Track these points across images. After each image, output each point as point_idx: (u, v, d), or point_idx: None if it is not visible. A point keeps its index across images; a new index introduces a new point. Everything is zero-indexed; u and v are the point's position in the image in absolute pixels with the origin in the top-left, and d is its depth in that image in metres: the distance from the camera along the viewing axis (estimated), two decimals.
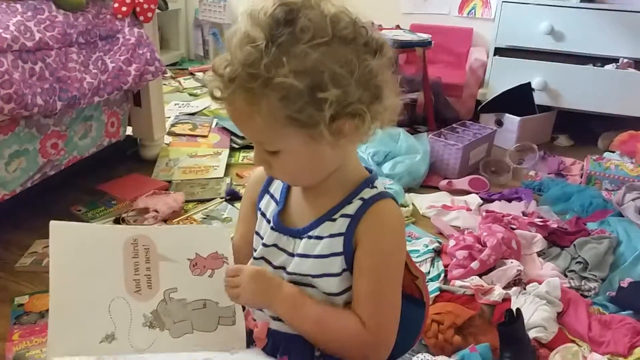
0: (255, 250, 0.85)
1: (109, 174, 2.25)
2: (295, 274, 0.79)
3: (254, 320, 0.86)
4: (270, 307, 0.81)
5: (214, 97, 0.71)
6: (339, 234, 0.76)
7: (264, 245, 0.83)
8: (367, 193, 0.78)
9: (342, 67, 0.66)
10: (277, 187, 0.86)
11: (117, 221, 1.92)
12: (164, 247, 0.84)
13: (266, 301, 0.80)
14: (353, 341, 0.77)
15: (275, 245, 0.82)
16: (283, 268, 0.81)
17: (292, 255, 0.80)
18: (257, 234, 0.86)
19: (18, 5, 1.73)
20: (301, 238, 0.79)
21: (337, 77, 0.66)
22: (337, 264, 0.77)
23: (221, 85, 0.69)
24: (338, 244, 0.76)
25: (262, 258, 0.83)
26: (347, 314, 0.77)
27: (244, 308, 0.87)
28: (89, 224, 1.68)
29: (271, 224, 0.83)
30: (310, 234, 0.78)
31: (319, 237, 0.77)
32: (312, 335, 0.79)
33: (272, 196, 0.85)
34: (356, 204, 0.77)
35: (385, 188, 0.82)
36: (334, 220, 0.77)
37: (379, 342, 0.77)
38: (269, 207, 0.85)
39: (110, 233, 0.87)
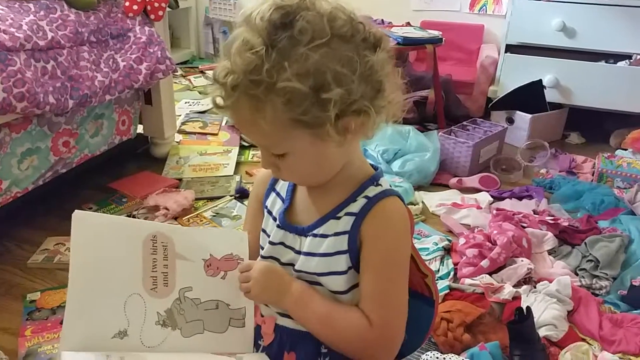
0: (263, 248, 0.86)
1: (119, 172, 2.27)
2: (302, 271, 0.80)
3: (262, 316, 0.86)
4: (279, 302, 0.81)
5: (217, 106, 0.71)
6: (344, 232, 0.76)
7: (271, 243, 0.83)
8: (371, 191, 0.78)
9: (343, 66, 0.66)
10: (283, 185, 0.86)
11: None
12: (181, 245, 0.84)
13: (275, 296, 0.81)
14: (359, 339, 0.77)
15: (282, 243, 0.82)
16: (291, 265, 0.82)
17: (298, 252, 0.80)
18: (264, 231, 0.86)
19: (31, 5, 1.74)
20: (306, 236, 0.79)
21: (339, 76, 0.66)
22: (343, 262, 0.77)
23: (224, 94, 0.69)
24: (343, 242, 0.76)
25: (271, 257, 0.84)
26: (354, 312, 0.77)
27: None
28: (111, 215, 1.67)
29: (277, 221, 0.83)
30: (315, 232, 0.79)
31: (324, 236, 0.78)
32: (319, 332, 0.80)
33: (278, 194, 0.86)
34: (360, 202, 0.77)
35: (393, 186, 0.82)
36: (339, 218, 0.77)
37: (386, 340, 0.77)
38: (275, 205, 0.85)
39: (131, 226, 0.86)
